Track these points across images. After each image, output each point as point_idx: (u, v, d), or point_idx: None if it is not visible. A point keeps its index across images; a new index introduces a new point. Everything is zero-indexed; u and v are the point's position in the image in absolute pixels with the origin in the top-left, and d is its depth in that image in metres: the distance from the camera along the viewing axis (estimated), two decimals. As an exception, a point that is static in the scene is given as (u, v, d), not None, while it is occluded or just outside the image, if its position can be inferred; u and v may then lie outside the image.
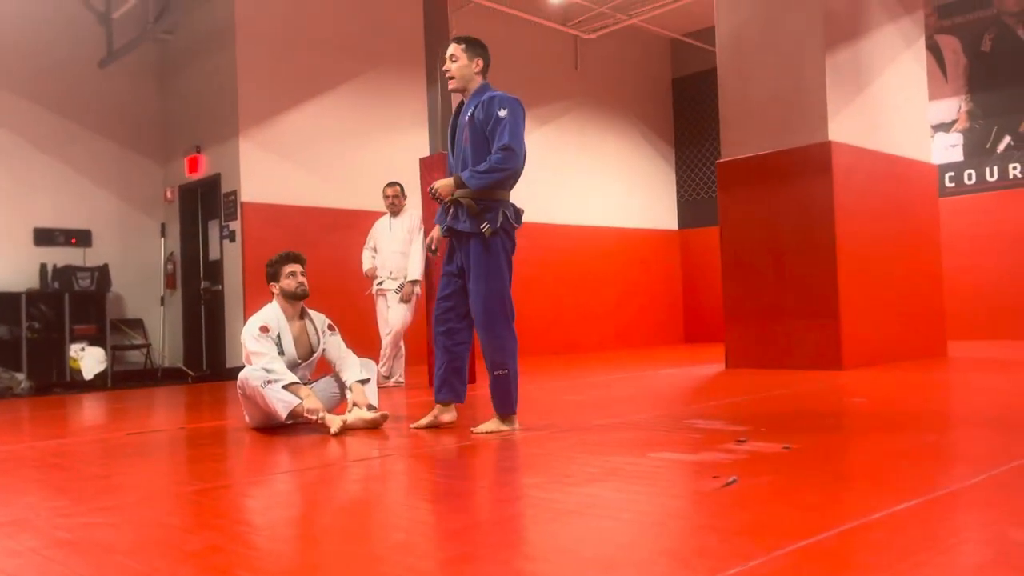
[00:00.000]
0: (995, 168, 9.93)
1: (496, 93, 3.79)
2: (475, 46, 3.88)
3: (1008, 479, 2.40)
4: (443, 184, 3.79)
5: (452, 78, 3.86)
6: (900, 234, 7.28)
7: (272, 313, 4.29)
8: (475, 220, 3.70)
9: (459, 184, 3.75)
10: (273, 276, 4.31)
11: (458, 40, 3.89)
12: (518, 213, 3.83)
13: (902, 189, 7.37)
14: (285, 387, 3.99)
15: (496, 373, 3.75)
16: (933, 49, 10.20)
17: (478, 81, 3.88)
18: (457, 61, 3.85)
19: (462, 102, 3.94)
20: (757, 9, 7.08)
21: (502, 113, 3.68)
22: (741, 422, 3.75)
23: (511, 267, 3.81)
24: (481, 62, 3.87)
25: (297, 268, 4.32)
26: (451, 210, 3.83)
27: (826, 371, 6.33)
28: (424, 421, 4.00)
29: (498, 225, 3.70)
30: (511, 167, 3.68)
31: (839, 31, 6.80)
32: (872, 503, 2.15)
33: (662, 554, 1.84)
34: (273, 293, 4.35)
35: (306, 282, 4.34)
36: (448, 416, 4.00)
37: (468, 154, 3.78)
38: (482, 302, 3.73)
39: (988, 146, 10.02)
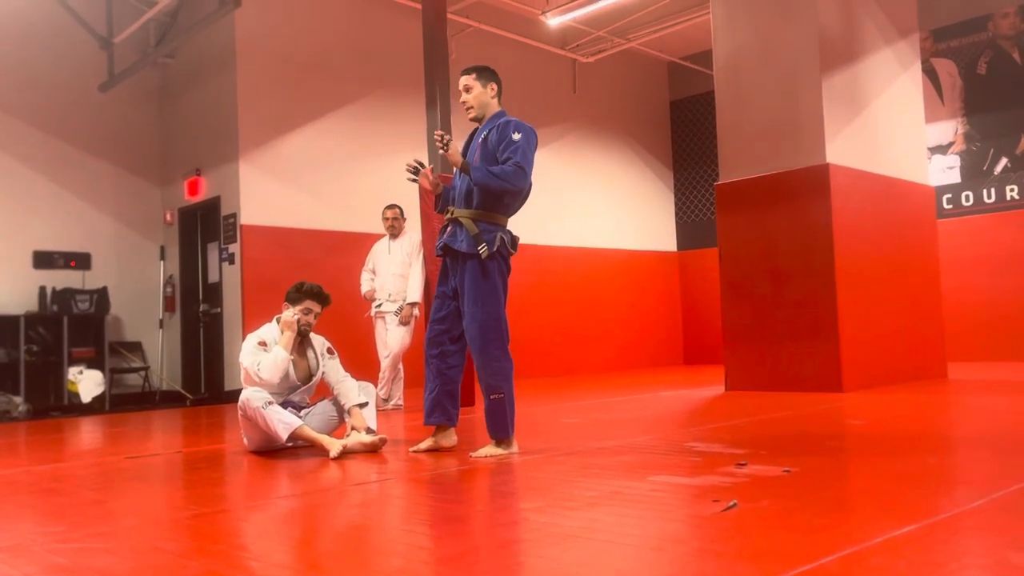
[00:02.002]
0: (992, 190, 9.98)
1: (512, 119, 3.84)
2: (486, 72, 3.93)
3: (1010, 502, 2.39)
4: (454, 149, 3.70)
5: (471, 108, 3.89)
6: (899, 256, 7.29)
7: (271, 333, 4.28)
8: (473, 241, 3.71)
9: (465, 168, 3.70)
10: (294, 300, 4.30)
11: (468, 71, 3.92)
12: (514, 240, 3.85)
13: (900, 211, 7.39)
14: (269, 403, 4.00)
15: (492, 397, 3.74)
16: (929, 72, 10.27)
17: (495, 106, 3.93)
18: (472, 90, 3.88)
19: (476, 128, 3.98)
20: (754, 33, 7.14)
21: (516, 136, 3.73)
22: (741, 445, 3.74)
23: (507, 291, 3.82)
24: (495, 86, 3.92)
25: (317, 309, 4.34)
26: (449, 228, 3.84)
27: (826, 393, 6.31)
28: (424, 445, 3.98)
29: (495, 248, 3.71)
30: (518, 183, 3.69)
31: (835, 54, 6.86)
32: (873, 527, 2.14)
33: (662, 580, 1.83)
34: (281, 314, 4.35)
35: (313, 324, 4.36)
36: (448, 441, 3.98)
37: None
38: (478, 326, 3.72)
39: (985, 168, 10.07)
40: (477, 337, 3.72)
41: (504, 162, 3.71)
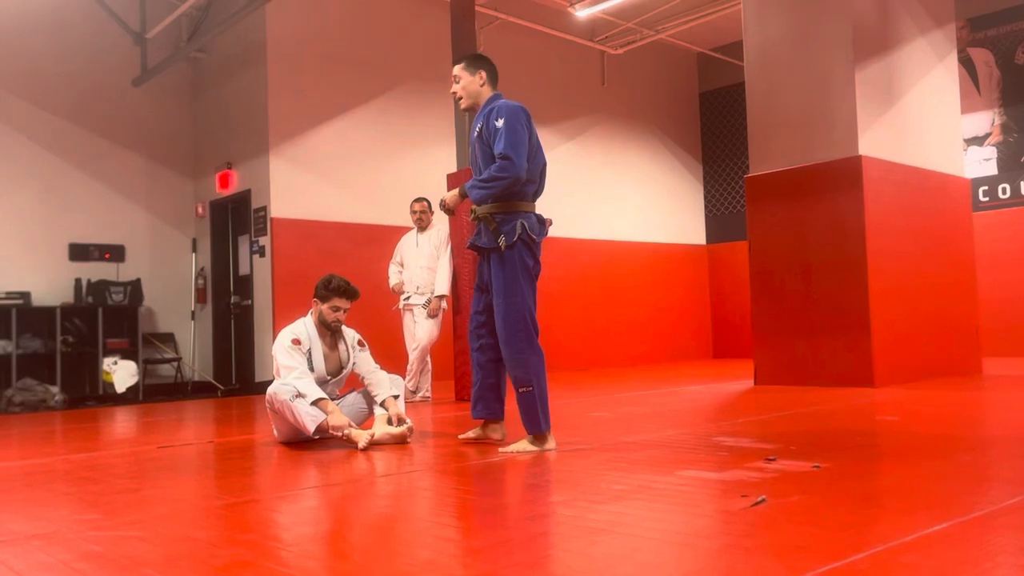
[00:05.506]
0: (1030, 182, 9.77)
1: (497, 103, 3.79)
2: (474, 60, 3.92)
3: (1045, 501, 2.35)
4: (451, 195, 3.89)
5: (461, 98, 3.91)
6: (933, 249, 7.18)
7: (304, 327, 4.33)
8: (492, 234, 3.71)
9: (463, 194, 3.80)
10: (323, 298, 4.33)
11: (457, 61, 3.96)
12: (541, 224, 3.78)
13: (935, 203, 7.27)
14: (312, 403, 4.03)
15: (520, 390, 3.71)
16: (966, 62, 10.08)
17: (487, 92, 3.90)
18: (461, 80, 3.89)
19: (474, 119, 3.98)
20: (785, 23, 7.05)
21: (499, 123, 3.68)
22: (770, 440, 3.71)
23: (533, 280, 3.75)
24: (484, 74, 3.89)
25: (346, 306, 4.35)
26: (476, 226, 3.85)
27: (857, 388, 6.24)
28: (471, 434, 4.03)
29: (515, 238, 3.67)
30: (509, 175, 3.62)
31: (869, 45, 6.75)
32: (904, 524, 2.12)
33: (689, 574, 1.82)
34: (312, 308, 4.39)
35: (343, 320, 4.39)
36: (496, 433, 3.98)
37: (481, 168, 3.79)
38: (502, 318, 3.69)
39: (1023, 160, 9.87)
40: (503, 329, 3.70)
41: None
